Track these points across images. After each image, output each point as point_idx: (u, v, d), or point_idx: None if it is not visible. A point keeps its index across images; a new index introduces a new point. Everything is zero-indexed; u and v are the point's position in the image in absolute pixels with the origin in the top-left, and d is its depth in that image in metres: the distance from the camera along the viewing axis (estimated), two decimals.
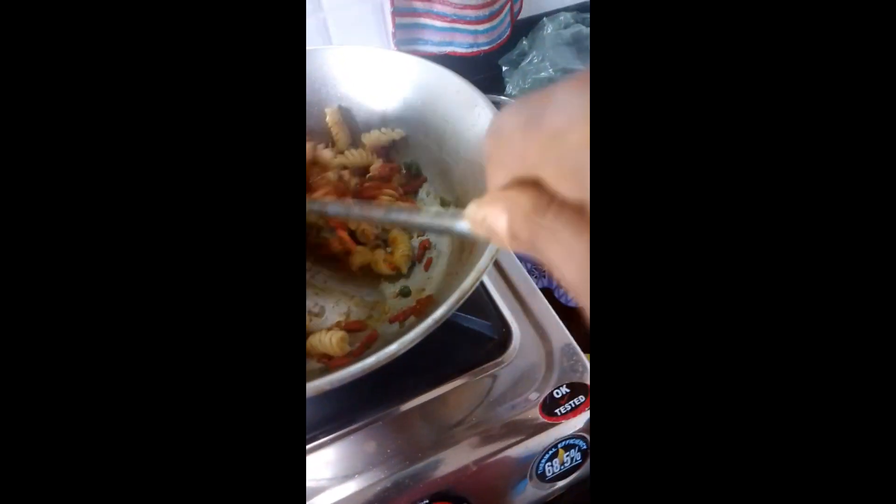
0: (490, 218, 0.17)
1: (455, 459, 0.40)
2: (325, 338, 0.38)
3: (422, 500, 0.40)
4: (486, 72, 0.79)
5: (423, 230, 0.47)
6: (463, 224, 0.19)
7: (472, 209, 0.18)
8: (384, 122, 0.50)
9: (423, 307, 0.41)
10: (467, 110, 0.43)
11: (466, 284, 0.31)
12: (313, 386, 0.28)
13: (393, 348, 0.29)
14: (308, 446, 0.41)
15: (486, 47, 0.75)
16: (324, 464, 0.41)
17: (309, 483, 0.40)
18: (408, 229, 0.46)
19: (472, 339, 0.44)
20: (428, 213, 0.35)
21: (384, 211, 0.34)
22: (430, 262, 0.46)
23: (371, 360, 0.29)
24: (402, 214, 0.33)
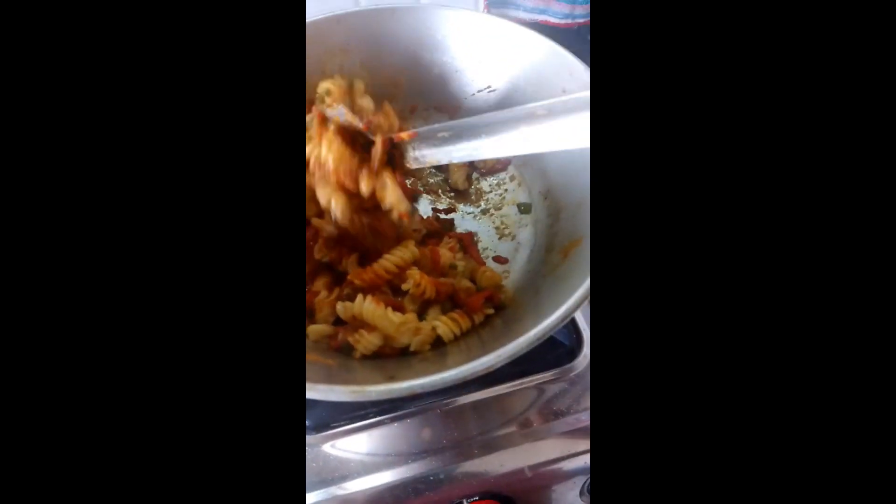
0: None
1: (510, 461, 0.39)
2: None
3: (472, 496, 0.39)
4: (575, 46, 0.73)
5: None
6: None
7: None
8: (484, 95, 0.47)
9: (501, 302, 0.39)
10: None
11: (573, 303, 0.29)
12: (397, 388, 0.27)
13: (486, 360, 0.28)
14: (363, 423, 0.41)
15: (581, 20, 0.69)
16: (378, 442, 0.40)
17: (363, 458, 0.40)
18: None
19: (543, 343, 0.42)
20: None
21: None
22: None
23: (466, 368, 0.27)
24: None
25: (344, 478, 0.39)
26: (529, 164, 0.47)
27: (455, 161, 0.36)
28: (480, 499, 0.40)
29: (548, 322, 0.28)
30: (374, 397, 0.26)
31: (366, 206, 0.37)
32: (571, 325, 0.44)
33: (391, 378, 0.27)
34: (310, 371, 0.29)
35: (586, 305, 0.45)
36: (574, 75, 0.41)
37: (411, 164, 0.36)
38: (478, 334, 0.37)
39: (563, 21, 0.68)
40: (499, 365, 0.27)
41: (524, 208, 0.45)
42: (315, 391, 0.27)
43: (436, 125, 0.35)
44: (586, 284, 0.29)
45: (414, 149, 0.35)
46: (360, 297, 0.34)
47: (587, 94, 0.27)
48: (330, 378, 0.28)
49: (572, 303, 0.29)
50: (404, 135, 0.35)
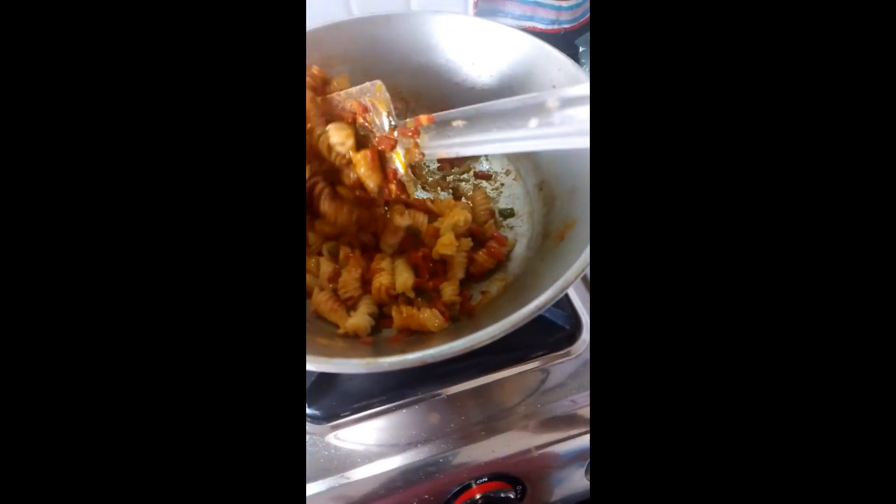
0: None
1: (517, 442, 0.40)
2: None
3: (480, 477, 0.40)
4: (563, 51, 0.76)
5: None
6: None
7: None
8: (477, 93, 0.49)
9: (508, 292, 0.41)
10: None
11: (570, 275, 0.30)
12: (410, 359, 0.28)
13: (491, 330, 0.29)
14: (372, 411, 0.42)
15: (567, 25, 0.72)
16: (387, 429, 0.41)
17: (371, 446, 0.41)
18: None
19: (543, 327, 0.44)
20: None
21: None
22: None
23: (473, 338, 0.29)
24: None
25: (355, 464, 0.40)
26: (523, 159, 0.49)
27: (462, 155, 0.39)
28: (489, 480, 0.41)
29: (547, 294, 0.30)
30: (386, 368, 0.28)
31: (357, 198, 0.41)
32: (570, 310, 0.45)
33: (402, 351, 0.29)
34: (323, 349, 0.30)
35: (585, 293, 0.47)
36: (563, 70, 0.43)
37: (420, 156, 0.39)
38: (482, 314, 0.39)
39: (549, 27, 0.71)
40: (502, 334, 0.29)
41: (507, 213, 0.47)
42: (330, 364, 0.28)
43: (452, 111, 0.37)
44: (582, 258, 0.31)
45: (429, 138, 0.38)
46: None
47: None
48: (344, 353, 0.29)
49: (570, 274, 0.30)
50: (423, 118, 0.39)
